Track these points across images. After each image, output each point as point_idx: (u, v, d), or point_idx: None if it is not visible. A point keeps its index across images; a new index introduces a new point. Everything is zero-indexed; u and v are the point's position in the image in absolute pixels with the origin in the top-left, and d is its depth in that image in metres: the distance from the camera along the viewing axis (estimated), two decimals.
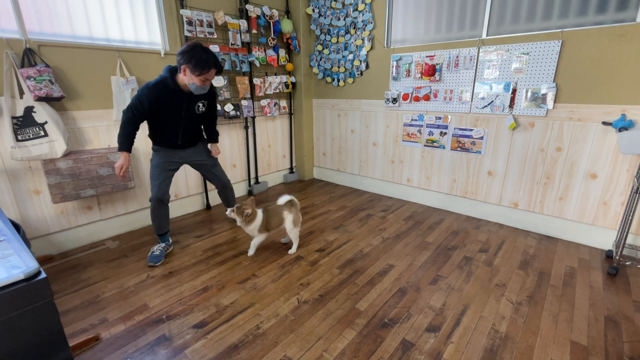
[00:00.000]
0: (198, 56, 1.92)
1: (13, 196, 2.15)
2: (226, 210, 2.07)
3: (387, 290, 1.93)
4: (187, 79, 2.00)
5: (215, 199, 3.34)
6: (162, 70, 2.69)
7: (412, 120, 3.15)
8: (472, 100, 2.73)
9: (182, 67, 1.96)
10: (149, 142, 2.72)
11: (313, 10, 3.61)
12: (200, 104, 2.23)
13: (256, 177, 3.70)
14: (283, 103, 3.76)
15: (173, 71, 2.06)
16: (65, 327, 1.65)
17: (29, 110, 2.04)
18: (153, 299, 1.87)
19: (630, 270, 2.11)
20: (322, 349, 1.51)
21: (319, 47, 3.69)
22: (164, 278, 2.07)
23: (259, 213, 2.23)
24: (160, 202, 2.22)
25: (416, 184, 3.30)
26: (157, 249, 2.30)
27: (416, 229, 2.73)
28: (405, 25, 3.06)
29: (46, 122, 2.09)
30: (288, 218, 2.28)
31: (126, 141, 2.04)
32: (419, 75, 2.98)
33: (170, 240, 2.44)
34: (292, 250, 2.37)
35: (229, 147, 3.36)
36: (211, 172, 2.50)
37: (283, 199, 2.30)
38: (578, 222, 2.45)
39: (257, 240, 2.31)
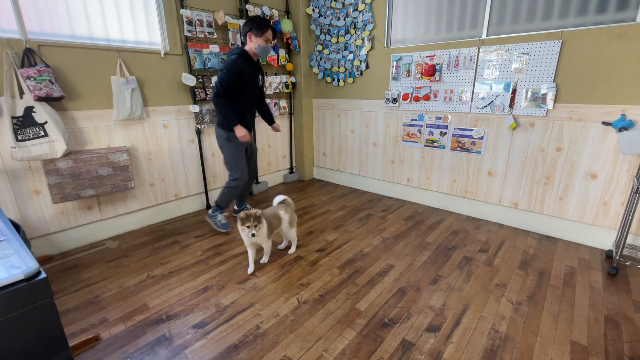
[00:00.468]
0: (258, 21, 2.34)
1: (13, 196, 2.15)
2: (239, 224, 2.00)
3: (387, 290, 1.93)
4: (253, 44, 2.38)
5: (215, 198, 3.33)
6: (160, 71, 2.70)
7: (412, 120, 3.15)
8: (472, 100, 2.73)
9: (247, 35, 2.37)
10: (149, 142, 2.73)
11: (313, 10, 3.61)
12: (260, 77, 2.56)
13: (256, 177, 3.70)
14: (283, 103, 3.75)
15: (241, 48, 2.40)
16: (65, 327, 1.65)
17: (29, 110, 2.04)
18: (153, 299, 1.87)
19: (630, 270, 2.11)
20: (322, 349, 1.51)
21: (319, 47, 3.69)
22: (164, 278, 2.07)
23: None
24: (243, 181, 2.56)
25: (416, 184, 3.30)
26: (223, 217, 2.68)
27: (416, 229, 2.73)
28: (405, 25, 3.06)
29: (46, 122, 2.09)
30: (285, 218, 2.24)
31: (234, 116, 2.36)
32: (419, 75, 2.98)
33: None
34: (292, 250, 2.37)
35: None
36: (254, 159, 2.76)
37: (277, 199, 2.30)
38: (578, 222, 2.45)
39: (268, 247, 2.22)
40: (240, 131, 2.35)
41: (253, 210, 2.00)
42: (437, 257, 2.29)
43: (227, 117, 2.33)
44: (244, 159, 2.56)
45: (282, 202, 2.32)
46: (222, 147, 2.53)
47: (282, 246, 2.44)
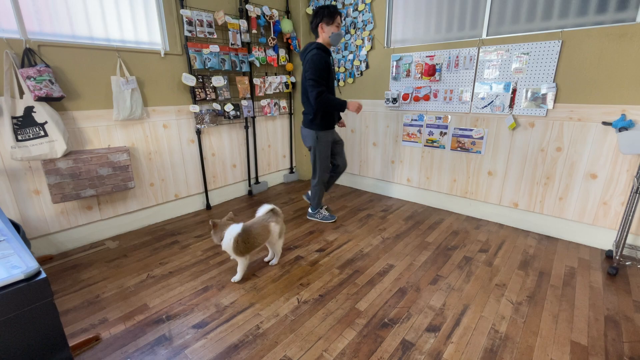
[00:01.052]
0: (327, 9, 2.36)
1: (13, 196, 2.15)
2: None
3: (387, 290, 1.93)
4: (326, 33, 2.39)
5: (215, 198, 3.34)
6: (160, 71, 2.70)
7: (412, 120, 3.15)
8: (472, 100, 2.73)
9: (319, 27, 2.39)
10: (149, 142, 2.73)
11: (313, 10, 3.61)
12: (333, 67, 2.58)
13: (256, 177, 3.70)
14: (283, 103, 3.75)
15: (315, 42, 2.43)
16: (65, 327, 1.65)
17: (29, 110, 2.04)
18: (153, 299, 1.87)
19: (630, 270, 2.11)
20: (322, 349, 1.51)
21: None
22: (164, 278, 2.07)
23: (232, 230, 1.92)
24: (325, 179, 2.72)
25: (416, 184, 3.30)
26: (325, 211, 2.88)
27: (416, 229, 2.73)
28: (405, 25, 3.06)
29: (46, 122, 2.09)
30: (275, 230, 2.04)
31: (339, 99, 2.39)
32: (419, 75, 2.98)
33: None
34: (274, 262, 2.19)
35: (229, 147, 3.36)
36: (342, 149, 2.80)
37: (263, 209, 2.08)
38: (578, 222, 2.44)
39: (242, 264, 1.99)
40: (353, 104, 2.40)
41: (216, 221, 1.92)
42: (437, 257, 2.29)
43: (332, 103, 2.37)
44: (328, 159, 2.67)
45: (271, 211, 2.08)
46: (310, 147, 2.62)
47: (269, 258, 2.25)
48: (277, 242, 2.12)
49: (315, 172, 2.69)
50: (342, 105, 2.40)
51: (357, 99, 3.53)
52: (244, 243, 1.92)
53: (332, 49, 3.55)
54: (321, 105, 2.37)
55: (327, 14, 2.35)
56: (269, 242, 2.10)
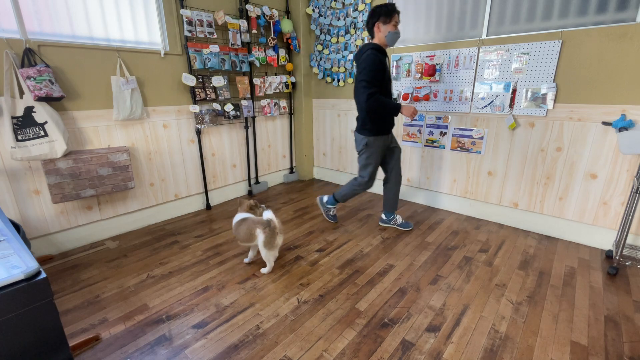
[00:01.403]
0: (384, 8, 2.20)
1: (13, 196, 2.15)
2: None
3: (387, 290, 1.93)
4: (382, 33, 2.24)
5: (215, 198, 3.34)
6: (160, 71, 2.69)
7: (412, 120, 3.14)
8: (472, 100, 2.73)
9: (375, 26, 2.25)
10: (149, 142, 2.73)
11: (313, 10, 3.61)
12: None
13: (256, 177, 3.70)
14: (283, 103, 3.76)
15: (371, 42, 2.29)
16: (65, 327, 1.65)
17: (29, 110, 2.04)
18: (153, 299, 1.87)
19: (630, 270, 2.11)
20: (322, 349, 1.51)
21: (319, 47, 3.69)
22: (164, 278, 2.07)
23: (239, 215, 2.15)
24: (368, 187, 2.57)
25: (416, 184, 3.30)
26: (335, 210, 2.81)
27: (416, 229, 2.73)
28: (406, 25, 3.06)
29: (46, 122, 2.09)
30: (259, 238, 2.01)
31: (393, 102, 2.24)
32: (419, 75, 2.98)
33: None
34: (264, 270, 2.11)
35: (228, 147, 3.36)
36: (397, 159, 2.58)
37: (266, 214, 2.06)
38: (578, 222, 2.44)
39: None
40: (407, 109, 2.25)
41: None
42: (437, 257, 2.29)
43: (386, 107, 2.22)
44: (376, 167, 2.50)
45: (267, 220, 2.01)
46: (360, 152, 2.47)
47: (246, 260, 2.23)
48: (263, 249, 2.02)
49: (362, 174, 2.54)
50: (396, 109, 2.24)
51: None
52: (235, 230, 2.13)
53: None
54: (372, 108, 2.21)
55: (385, 12, 2.20)
56: (253, 246, 2.18)
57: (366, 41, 3.27)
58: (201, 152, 3.09)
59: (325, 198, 2.84)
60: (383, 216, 2.77)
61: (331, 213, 2.83)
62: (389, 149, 2.55)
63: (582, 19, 2.21)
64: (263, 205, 2.12)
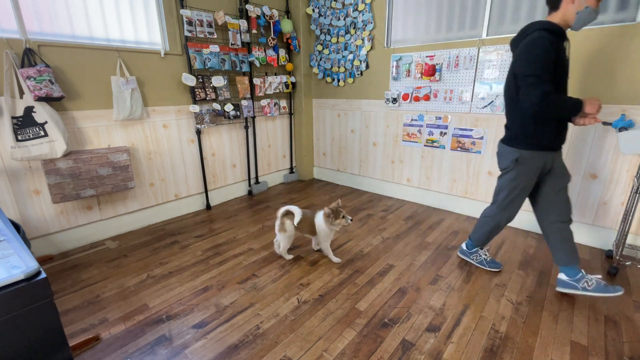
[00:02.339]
0: None
1: (13, 196, 2.15)
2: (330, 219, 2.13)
3: (387, 290, 1.93)
4: (574, 6, 1.54)
5: (215, 198, 3.34)
6: (160, 71, 2.69)
7: (412, 120, 3.14)
8: (472, 100, 2.73)
9: None
10: (149, 142, 2.73)
11: (313, 10, 3.61)
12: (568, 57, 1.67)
13: (256, 177, 3.70)
14: (283, 103, 3.76)
15: (543, 21, 1.61)
16: (65, 327, 1.65)
17: (29, 110, 2.04)
18: (153, 299, 1.87)
19: (630, 270, 2.11)
20: (322, 349, 1.51)
21: (319, 47, 3.69)
22: (164, 278, 2.07)
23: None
24: (507, 220, 1.91)
25: (416, 184, 3.30)
26: (485, 253, 2.12)
27: (416, 229, 2.73)
28: (405, 25, 3.06)
29: (46, 122, 2.09)
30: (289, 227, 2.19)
31: (572, 98, 1.57)
32: (419, 75, 2.98)
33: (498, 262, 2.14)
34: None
35: (228, 147, 3.36)
36: (563, 191, 1.78)
37: (283, 210, 2.20)
38: (578, 222, 2.44)
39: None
40: (592, 103, 1.56)
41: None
42: (437, 257, 2.29)
43: (567, 110, 1.56)
44: (525, 193, 1.82)
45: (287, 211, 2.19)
46: (504, 170, 1.84)
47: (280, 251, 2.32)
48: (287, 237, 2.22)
49: (496, 200, 1.92)
50: (577, 106, 1.56)
51: (357, 99, 3.52)
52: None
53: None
54: (546, 112, 1.55)
55: None
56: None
57: (366, 42, 3.26)
58: (201, 152, 3.09)
59: (465, 243, 2.22)
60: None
61: (483, 259, 2.12)
62: (550, 173, 1.79)
63: None
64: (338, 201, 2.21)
